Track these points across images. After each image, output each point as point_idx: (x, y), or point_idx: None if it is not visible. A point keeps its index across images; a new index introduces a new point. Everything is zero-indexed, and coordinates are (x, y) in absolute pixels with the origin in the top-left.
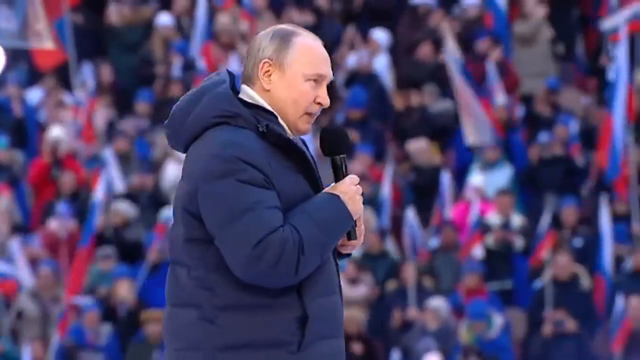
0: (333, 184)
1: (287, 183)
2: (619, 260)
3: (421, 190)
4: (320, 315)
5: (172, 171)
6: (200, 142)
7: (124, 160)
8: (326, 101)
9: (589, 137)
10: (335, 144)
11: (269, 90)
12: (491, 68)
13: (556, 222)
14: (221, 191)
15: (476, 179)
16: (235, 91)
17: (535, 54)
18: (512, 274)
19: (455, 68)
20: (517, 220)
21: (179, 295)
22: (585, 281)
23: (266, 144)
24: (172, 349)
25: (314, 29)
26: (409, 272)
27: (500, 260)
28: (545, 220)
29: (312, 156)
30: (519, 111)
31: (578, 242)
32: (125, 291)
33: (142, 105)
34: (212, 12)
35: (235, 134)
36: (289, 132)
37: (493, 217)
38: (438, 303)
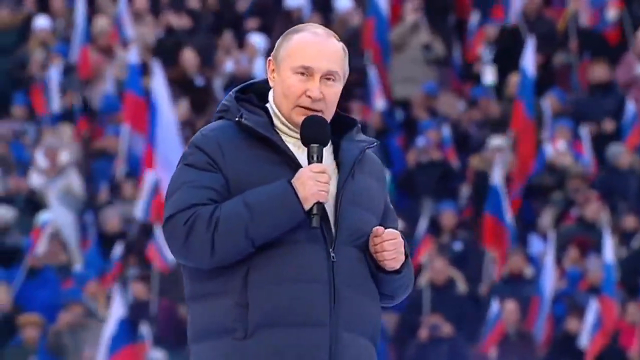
0: None
1: (249, 171)
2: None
3: None
4: (271, 302)
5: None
6: None
7: (1, 163)
8: (315, 94)
9: (464, 142)
10: (311, 133)
11: (274, 88)
12: (372, 73)
13: (434, 227)
14: (172, 176)
15: None
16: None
17: (410, 59)
18: None
19: None
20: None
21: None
22: (461, 285)
23: (242, 134)
24: None
25: (190, 32)
26: None
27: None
28: (423, 224)
29: (351, 160)
30: (397, 116)
31: (458, 245)
32: (1, 296)
33: (18, 109)
34: (90, 15)
35: (214, 125)
36: (286, 124)
37: None
38: None
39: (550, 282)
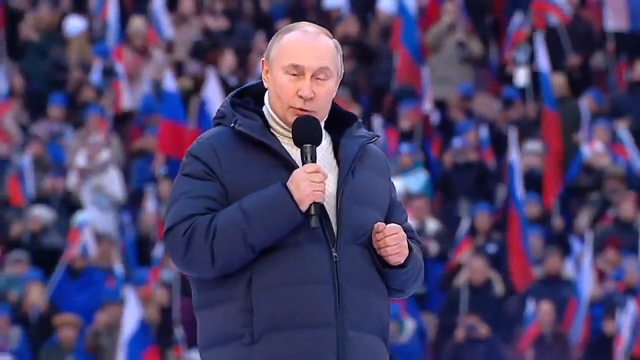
0: None
1: (246, 177)
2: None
3: None
4: (275, 305)
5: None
6: None
7: (37, 164)
8: (305, 92)
9: (500, 143)
10: (303, 133)
11: (268, 89)
12: (426, 74)
13: (471, 228)
14: (172, 187)
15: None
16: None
17: (445, 59)
18: (425, 279)
19: None
20: (433, 225)
21: None
22: (498, 286)
23: (238, 140)
24: None
25: (227, 34)
26: None
27: None
28: (464, 225)
29: (350, 159)
30: (434, 117)
31: (491, 247)
32: (36, 295)
33: (55, 109)
34: (125, 16)
35: (210, 132)
36: (282, 125)
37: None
38: None
39: (587, 283)
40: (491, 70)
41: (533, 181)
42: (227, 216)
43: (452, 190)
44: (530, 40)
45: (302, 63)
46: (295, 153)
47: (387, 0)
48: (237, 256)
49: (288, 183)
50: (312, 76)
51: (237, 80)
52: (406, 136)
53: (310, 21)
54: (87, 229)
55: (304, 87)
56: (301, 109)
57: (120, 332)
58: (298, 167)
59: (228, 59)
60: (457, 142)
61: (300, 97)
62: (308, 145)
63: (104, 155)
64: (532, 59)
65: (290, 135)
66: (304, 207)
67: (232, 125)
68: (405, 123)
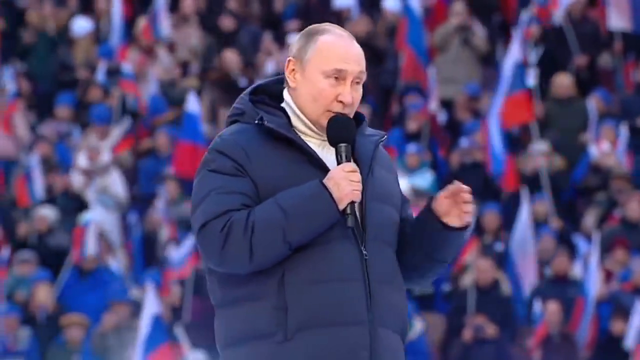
0: None
1: (275, 173)
2: (541, 265)
3: None
4: (309, 303)
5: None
6: None
7: (45, 164)
8: (348, 99)
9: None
10: (338, 133)
11: (294, 89)
12: (432, 73)
13: (477, 228)
14: (195, 183)
15: (401, 183)
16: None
17: (452, 59)
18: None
19: None
20: None
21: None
22: (505, 287)
23: (262, 137)
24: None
25: (234, 34)
26: None
27: None
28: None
29: (369, 157)
30: (441, 117)
31: (499, 247)
32: (44, 295)
33: (62, 110)
34: (130, 15)
35: (232, 129)
36: (309, 125)
37: None
38: None
39: (595, 283)
40: (498, 70)
41: (540, 181)
42: (266, 213)
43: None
44: (539, 40)
45: (346, 68)
46: (319, 151)
47: (393, 0)
48: (275, 253)
49: (325, 181)
50: (351, 81)
51: (247, 80)
52: (413, 137)
53: (320, 21)
54: (92, 229)
55: (345, 93)
56: (338, 113)
57: (127, 333)
58: (326, 165)
59: (234, 60)
60: (464, 142)
61: (341, 102)
62: (343, 144)
63: (105, 156)
64: (541, 58)
65: (313, 134)
66: (342, 206)
67: (256, 121)
68: (412, 124)
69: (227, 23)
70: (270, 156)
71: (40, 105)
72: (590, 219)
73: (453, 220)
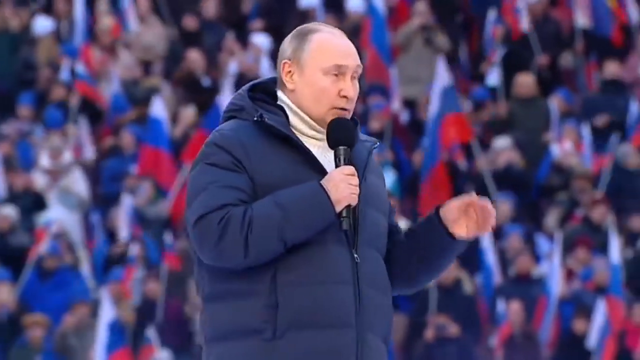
0: None
1: (273, 171)
2: (504, 265)
3: None
4: (301, 303)
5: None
6: None
7: (6, 164)
8: (351, 93)
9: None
10: (338, 135)
11: (293, 91)
12: (393, 73)
13: None
14: (192, 175)
15: None
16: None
17: (415, 58)
18: None
19: None
20: (402, 225)
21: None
22: (467, 286)
23: (261, 134)
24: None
25: (198, 35)
26: None
27: None
28: None
29: (364, 159)
30: (404, 116)
31: None
32: (5, 295)
33: (24, 109)
34: (92, 14)
35: (230, 124)
36: (317, 127)
37: None
38: None
39: (557, 282)
40: (462, 69)
41: (507, 179)
42: (263, 209)
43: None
44: (503, 40)
45: (346, 63)
46: (316, 152)
47: (357, 0)
48: (270, 250)
49: (324, 183)
50: (351, 76)
51: (211, 80)
52: (376, 136)
53: (284, 21)
54: (54, 229)
55: (347, 87)
56: (343, 109)
57: (89, 333)
58: (323, 166)
59: (198, 59)
60: (426, 141)
61: (344, 97)
62: (343, 147)
63: (67, 156)
64: (504, 58)
65: (312, 134)
66: (339, 208)
67: (255, 118)
68: (375, 124)
69: (190, 23)
70: (268, 154)
71: (2, 105)
72: (552, 218)
73: (459, 230)
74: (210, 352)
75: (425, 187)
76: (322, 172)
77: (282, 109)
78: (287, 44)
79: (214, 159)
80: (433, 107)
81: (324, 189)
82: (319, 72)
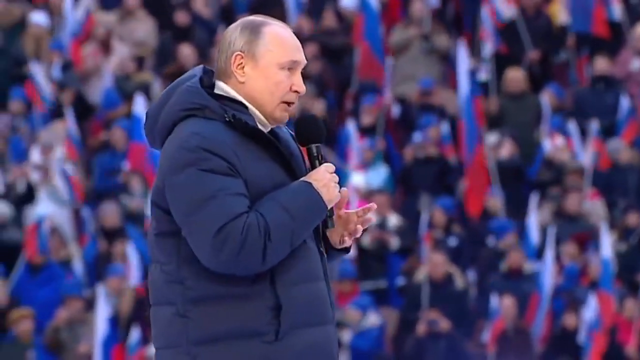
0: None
1: (257, 172)
2: (495, 260)
3: None
4: (298, 303)
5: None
6: (169, 137)
7: None
8: (302, 88)
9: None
10: (309, 132)
11: (243, 83)
12: (389, 69)
13: (432, 222)
14: (184, 181)
15: (356, 178)
16: (210, 86)
17: (411, 57)
18: (386, 274)
19: None
20: (394, 220)
21: (155, 293)
22: (459, 281)
23: (234, 134)
24: (155, 349)
25: (189, 29)
26: None
27: (374, 260)
28: (424, 220)
29: (296, 147)
30: (395, 111)
31: (453, 241)
32: None
33: (15, 104)
34: (86, 10)
35: (201, 125)
36: (264, 122)
37: None
38: None
39: (549, 277)
40: (454, 67)
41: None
42: (274, 215)
43: (413, 185)
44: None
45: (299, 58)
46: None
47: None
48: (283, 255)
49: (314, 183)
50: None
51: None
52: (367, 130)
53: (276, 16)
54: (45, 224)
55: (299, 82)
56: (292, 103)
57: (81, 328)
58: (290, 162)
59: (190, 54)
60: (417, 136)
61: (295, 91)
62: (315, 145)
63: (58, 152)
64: (494, 53)
65: (262, 129)
66: (328, 209)
67: (227, 119)
68: (366, 118)
69: (181, 18)
70: (251, 154)
71: None
72: (544, 213)
73: (333, 238)
74: (201, 354)
75: (469, 170)
76: (291, 170)
77: (242, 104)
78: (236, 35)
79: (209, 165)
80: (462, 91)
81: (316, 191)
82: (274, 66)
